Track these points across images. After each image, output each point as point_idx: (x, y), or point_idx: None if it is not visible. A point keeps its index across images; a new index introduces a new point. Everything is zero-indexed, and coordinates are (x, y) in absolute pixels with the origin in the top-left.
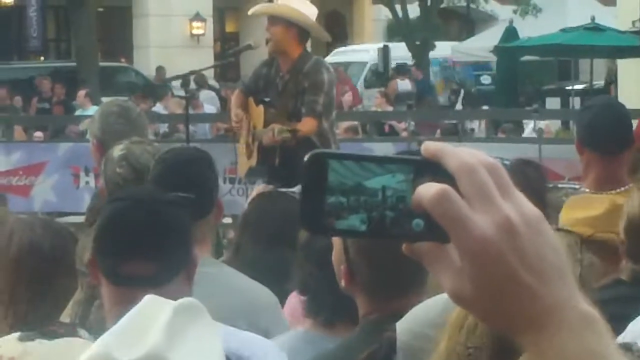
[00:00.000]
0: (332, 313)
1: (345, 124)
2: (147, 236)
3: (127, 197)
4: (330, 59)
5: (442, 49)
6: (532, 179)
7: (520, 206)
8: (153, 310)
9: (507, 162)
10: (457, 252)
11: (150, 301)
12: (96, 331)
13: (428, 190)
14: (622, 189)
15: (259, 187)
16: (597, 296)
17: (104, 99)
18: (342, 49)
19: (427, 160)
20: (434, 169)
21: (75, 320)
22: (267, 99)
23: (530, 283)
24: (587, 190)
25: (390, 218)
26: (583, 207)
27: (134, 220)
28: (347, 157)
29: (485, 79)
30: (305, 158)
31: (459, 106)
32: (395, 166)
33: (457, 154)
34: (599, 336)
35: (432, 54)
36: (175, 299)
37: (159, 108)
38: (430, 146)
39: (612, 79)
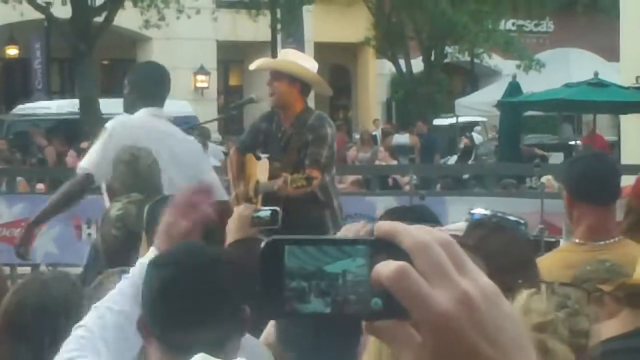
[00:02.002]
0: None
1: (351, 178)
2: (200, 305)
3: (173, 262)
4: (17, 111)
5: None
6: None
7: (476, 280)
8: None
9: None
10: (418, 328)
11: None
12: None
13: (387, 267)
14: (611, 240)
15: (239, 208)
16: (616, 345)
17: None
18: (28, 105)
19: (382, 239)
20: (390, 248)
21: None
22: (264, 155)
23: (490, 355)
24: (577, 241)
25: (352, 300)
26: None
27: (186, 290)
28: (304, 242)
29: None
30: (262, 245)
31: None
32: (353, 248)
33: (410, 232)
34: None
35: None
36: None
37: None
38: (383, 225)
39: None
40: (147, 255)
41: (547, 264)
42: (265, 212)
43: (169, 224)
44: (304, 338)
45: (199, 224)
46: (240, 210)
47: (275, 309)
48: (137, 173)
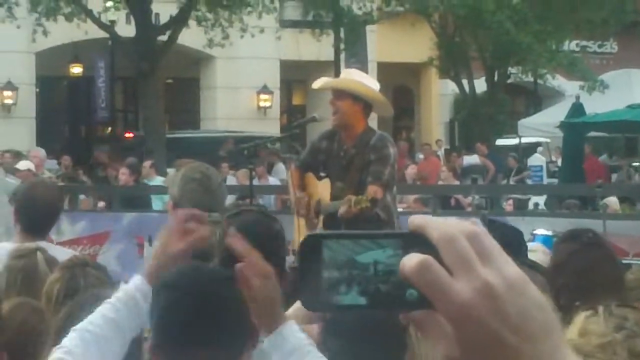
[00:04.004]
0: None
1: (414, 196)
2: (209, 324)
3: (181, 285)
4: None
5: None
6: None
7: (500, 270)
8: None
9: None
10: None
11: None
12: None
13: (410, 260)
14: None
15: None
16: None
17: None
18: None
19: (414, 233)
20: (420, 242)
21: None
22: (323, 175)
23: (513, 342)
24: None
25: (385, 290)
26: None
27: (195, 310)
28: (340, 235)
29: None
30: (301, 240)
31: None
32: (385, 241)
33: (438, 225)
34: None
35: None
36: None
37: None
38: (415, 219)
39: None
40: (132, 281)
41: None
42: None
43: (163, 246)
44: (351, 329)
45: (191, 247)
46: None
47: (313, 301)
48: (209, 191)
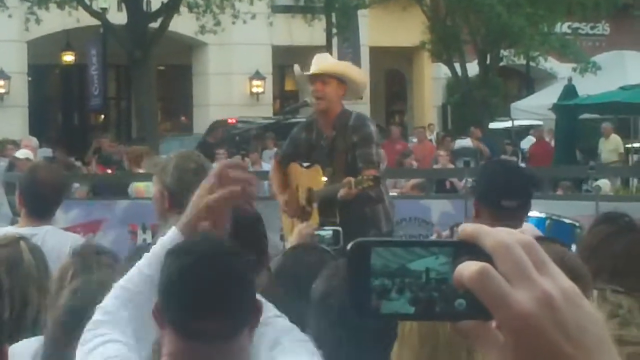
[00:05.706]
0: None
1: (412, 181)
2: (217, 293)
3: (191, 251)
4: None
5: None
6: None
7: (557, 281)
8: None
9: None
10: (500, 328)
11: None
12: None
13: (468, 268)
14: None
15: (300, 226)
16: None
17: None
18: None
19: (465, 241)
20: (472, 250)
21: None
22: (305, 165)
23: (572, 355)
24: None
25: (435, 299)
26: None
27: (203, 278)
28: (390, 243)
29: None
30: (349, 246)
31: None
32: (437, 249)
33: (493, 234)
34: None
35: None
36: (240, 351)
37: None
38: (467, 228)
39: None
40: (168, 234)
41: None
42: (327, 231)
43: (203, 195)
44: (332, 338)
45: (231, 196)
46: (300, 228)
47: (362, 307)
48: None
